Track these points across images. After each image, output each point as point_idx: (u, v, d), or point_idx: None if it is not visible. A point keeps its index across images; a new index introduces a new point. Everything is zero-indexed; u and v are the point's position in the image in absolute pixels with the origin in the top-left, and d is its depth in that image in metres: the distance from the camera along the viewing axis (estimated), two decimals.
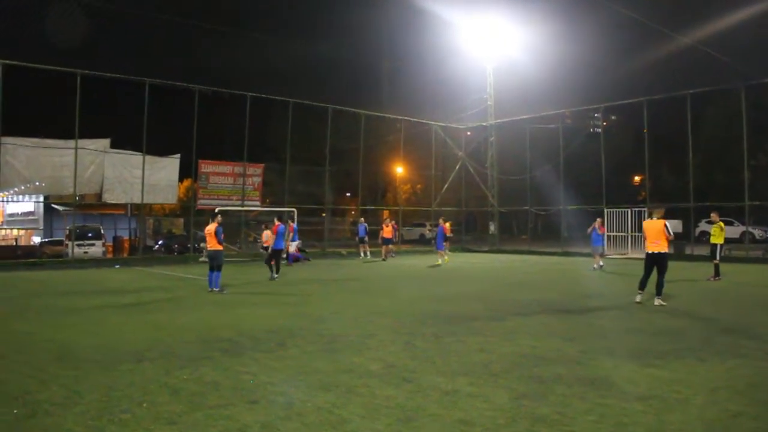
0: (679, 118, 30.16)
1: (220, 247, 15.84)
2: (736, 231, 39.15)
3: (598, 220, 22.96)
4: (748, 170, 28.75)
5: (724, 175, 40.16)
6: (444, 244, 27.53)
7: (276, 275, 19.37)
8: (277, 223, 20.10)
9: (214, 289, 15.54)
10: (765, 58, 43.04)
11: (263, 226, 26.13)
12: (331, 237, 40.13)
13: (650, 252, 13.04)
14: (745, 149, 28.21)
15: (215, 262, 15.62)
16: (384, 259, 28.07)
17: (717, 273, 18.31)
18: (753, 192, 28.89)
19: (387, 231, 28.38)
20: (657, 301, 12.70)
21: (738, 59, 41.46)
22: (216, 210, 28.20)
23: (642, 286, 13.11)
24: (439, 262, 26.03)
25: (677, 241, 29.98)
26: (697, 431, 5.20)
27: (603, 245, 22.72)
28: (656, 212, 13.22)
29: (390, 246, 29.12)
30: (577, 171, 38.54)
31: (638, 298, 13.02)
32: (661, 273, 12.87)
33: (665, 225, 12.82)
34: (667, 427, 5.29)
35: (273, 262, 19.51)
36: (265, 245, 23.54)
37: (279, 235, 19.82)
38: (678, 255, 28.55)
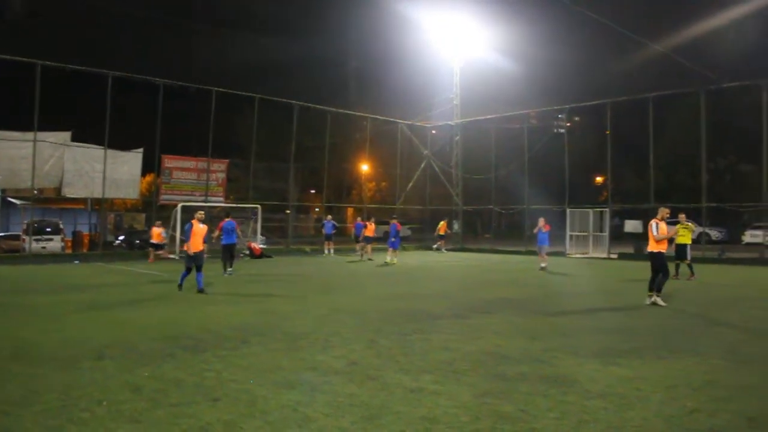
0: (642, 120, 30.71)
1: (203, 247, 15.08)
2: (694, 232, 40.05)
3: (542, 219, 23.02)
4: (707, 173, 29.38)
5: (684, 177, 41.04)
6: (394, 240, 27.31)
7: (230, 270, 19.62)
8: (226, 219, 20.37)
9: (204, 290, 14.63)
10: (725, 64, 43.96)
11: (159, 222, 26.62)
12: (296, 234, 39.97)
13: (647, 252, 13.30)
14: (704, 152, 28.81)
15: (200, 263, 14.82)
16: (370, 258, 27.51)
17: (692, 272, 18.75)
18: (711, 194, 29.55)
19: (369, 230, 28.10)
20: (657, 300, 12.77)
21: (700, 64, 42.33)
22: (179, 206, 28.00)
23: (650, 286, 13.06)
24: (389, 259, 25.75)
25: (638, 241, 30.56)
26: (656, 427, 5.29)
27: (548, 244, 22.71)
28: (659, 213, 13.27)
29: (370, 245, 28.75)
30: (541, 171, 38.96)
31: (647, 301, 12.92)
32: (654, 271, 12.92)
33: (650, 225, 12.99)
34: (627, 423, 5.37)
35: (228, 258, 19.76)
36: (153, 241, 24.43)
37: (228, 231, 19.88)
38: (638, 256, 29.06)
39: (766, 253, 26.54)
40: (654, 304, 12.68)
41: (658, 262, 12.89)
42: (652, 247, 12.99)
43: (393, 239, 26.17)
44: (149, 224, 32.17)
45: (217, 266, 19.78)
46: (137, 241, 31.84)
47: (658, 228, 12.83)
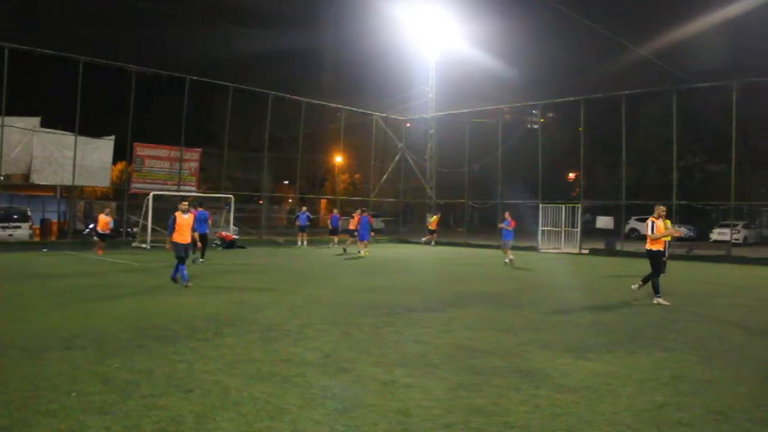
0: (615, 118, 31.03)
1: (191, 239, 14.42)
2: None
3: (507, 213, 23.06)
4: (677, 171, 29.81)
5: (655, 175, 41.62)
6: (371, 234, 27.12)
7: (201, 259, 19.79)
8: (198, 209, 20.33)
9: (188, 283, 13.95)
10: (697, 64, 44.67)
11: (107, 210, 25.09)
12: (269, 225, 39.77)
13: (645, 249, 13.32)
14: (675, 150, 29.23)
15: (187, 254, 14.28)
16: (345, 250, 27.18)
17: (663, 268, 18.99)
18: (680, 192, 29.98)
19: (352, 223, 27.78)
20: (660, 300, 12.73)
21: (673, 65, 42.92)
22: (151, 194, 27.66)
23: (653, 286, 12.94)
24: (361, 252, 25.56)
25: (609, 237, 30.93)
26: (626, 421, 5.37)
27: (512, 239, 22.65)
28: (656, 210, 13.19)
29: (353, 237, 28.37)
30: (514, 166, 39.26)
31: (633, 295, 13.00)
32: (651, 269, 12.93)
33: (646, 223, 13.01)
34: (598, 417, 5.45)
35: (199, 246, 19.45)
36: (96, 229, 23.20)
37: (200, 221, 19.63)
38: (609, 251, 29.43)
39: (732, 251, 27.01)
40: (658, 303, 12.57)
41: (652, 261, 12.90)
42: (649, 245, 12.97)
43: (364, 232, 25.98)
44: (121, 213, 31.75)
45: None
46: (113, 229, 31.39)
47: (654, 227, 12.78)
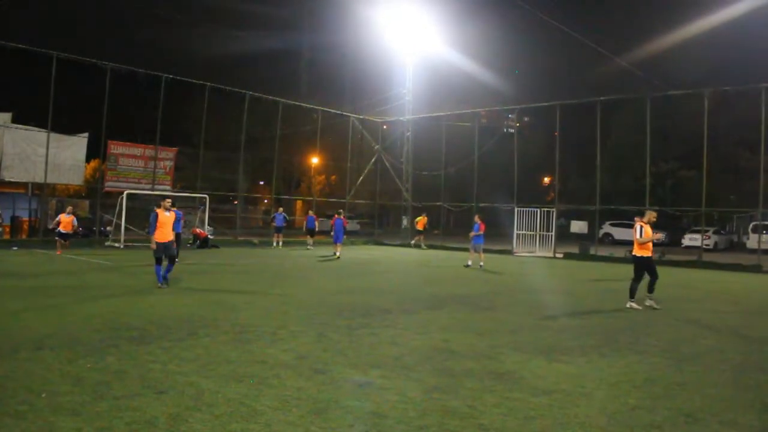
0: (590, 123, 31.34)
1: (173, 237, 14.20)
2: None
3: (477, 216, 23.06)
4: (650, 176, 30.20)
5: (628, 181, 42.11)
6: (344, 236, 26.72)
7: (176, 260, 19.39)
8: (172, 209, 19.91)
9: (164, 284, 13.75)
10: (671, 71, 45.31)
11: (68, 209, 23.53)
12: (244, 225, 39.54)
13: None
14: (648, 156, 29.60)
15: (170, 253, 13.94)
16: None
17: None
18: (653, 198, 30.39)
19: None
20: (652, 303, 12.69)
21: (648, 72, 43.50)
22: (125, 193, 27.37)
23: (630, 292, 12.78)
24: (336, 255, 25.05)
25: (583, 241, 31.23)
26: (599, 423, 5.42)
27: (482, 243, 22.58)
28: (646, 215, 13.11)
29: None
30: (490, 169, 39.45)
31: (628, 304, 12.68)
32: (636, 276, 12.84)
33: (634, 228, 12.93)
34: (572, 419, 5.49)
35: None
36: (56, 228, 22.06)
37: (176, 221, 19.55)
38: (583, 255, 29.71)
39: (703, 256, 27.41)
40: (651, 307, 12.51)
41: (643, 266, 12.74)
42: (636, 250, 12.85)
43: (338, 233, 25.72)
44: (93, 211, 31.36)
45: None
46: (80, 229, 30.98)
47: (643, 231, 12.65)
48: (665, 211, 32.68)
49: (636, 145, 35.39)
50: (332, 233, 25.86)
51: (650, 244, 12.80)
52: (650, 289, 12.76)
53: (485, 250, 22.95)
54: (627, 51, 47.19)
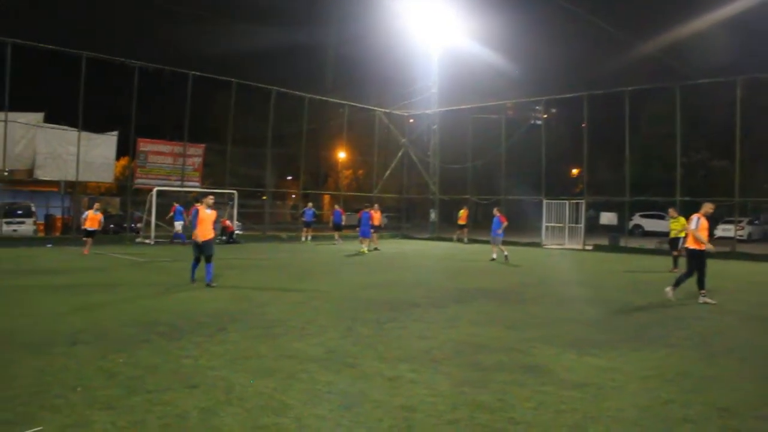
0: (618, 114, 30.94)
1: (213, 235, 13.89)
2: (666, 225, 40.46)
3: (496, 209, 22.92)
4: (681, 167, 29.74)
5: (658, 171, 41.48)
6: (372, 231, 26.46)
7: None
8: (195, 205, 20.24)
9: (195, 282, 13.54)
10: (701, 60, 44.51)
11: (96, 206, 23.90)
12: (272, 220, 39.77)
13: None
14: (678, 146, 29.15)
15: (209, 252, 13.55)
16: (377, 248, 26.60)
17: (675, 264, 19.00)
18: (684, 188, 29.90)
19: (375, 218, 27.47)
20: (706, 298, 12.38)
21: (677, 61, 42.80)
22: (155, 190, 27.70)
23: (699, 286, 12.50)
24: (363, 249, 25.10)
25: (613, 233, 30.90)
26: (631, 417, 5.36)
27: (503, 235, 22.41)
28: (703, 208, 12.78)
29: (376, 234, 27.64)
30: (517, 162, 39.11)
31: (700, 299, 12.32)
32: (697, 270, 12.47)
33: (690, 219, 12.66)
34: (603, 413, 5.43)
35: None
36: (89, 228, 21.38)
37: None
38: (613, 247, 29.39)
39: (737, 247, 26.95)
40: (705, 303, 12.21)
41: (696, 259, 12.44)
42: (690, 243, 12.53)
43: (365, 228, 25.56)
44: (124, 208, 31.78)
45: (187, 250, 19.65)
46: (111, 226, 31.46)
47: (698, 223, 12.34)
48: (697, 202, 32.14)
49: (666, 134, 34.85)
50: (359, 228, 25.81)
51: (704, 237, 12.43)
52: (701, 285, 12.45)
53: (511, 243, 22.79)
54: (655, 39, 46.41)
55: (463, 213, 34.04)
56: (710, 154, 46.18)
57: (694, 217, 12.58)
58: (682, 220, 19.39)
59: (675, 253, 19.43)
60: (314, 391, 5.88)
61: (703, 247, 12.46)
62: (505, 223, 22.20)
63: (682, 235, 19.26)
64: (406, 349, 7.72)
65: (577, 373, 6.75)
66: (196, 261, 13.68)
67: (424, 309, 10.94)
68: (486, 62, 44.57)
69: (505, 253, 21.79)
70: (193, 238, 13.56)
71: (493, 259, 21.85)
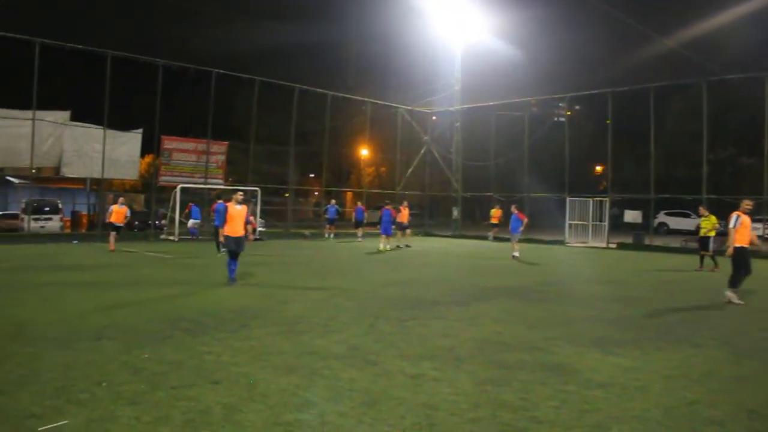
0: (643, 110, 30.59)
1: (244, 232, 13.63)
2: (692, 223, 40.01)
3: (514, 206, 22.76)
4: (707, 164, 29.35)
5: (684, 168, 40.96)
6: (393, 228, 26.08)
7: (224, 250, 19.99)
8: (218, 201, 20.49)
9: (233, 283, 13.27)
10: (728, 56, 43.87)
11: (121, 200, 22.88)
12: (295, 218, 39.93)
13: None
14: (705, 143, 28.77)
15: (240, 249, 13.47)
16: (408, 245, 26.36)
17: (715, 264, 18.78)
18: (710, 185, 29.51)
19: (404, 215, 27.22)
20: (731, 296, 12.11)
21: (703, 56, 42.20)
22: (179, 187, 27.94)
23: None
24: (382, 246, 24.81)
25: (637, 231, 30.58)
26: (656, 418, 5.30)
27: (520, 233, 22.24)
28: (742, 205, 12.48)
29: (409, 231, 27.50)
30: (541, 159, 38.88)
31: (734, 299, 12.05)
32: (736, 267, 12.23)
33: (730, 217, 12.38)
34: (627, 413, 5.38)
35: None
36: (116, 223, 21.19)
37: (221, 213, 20.15)
38: (637, 246, 29.09)
39: (765, 246, 26.54)
40: (729, 301, 12.00)
41: (738, 257, 12.15)
42: (736, 241, 12.18)
43: (386, 225, 25.22)
44: (148, 205, 32.10)
45: (211, 247, 19.90)
46: (136, 222, 31.81)
47: (738, 221, 12.11)
48: (723, 200, 31.71)
49: (692, 131, 34.42)
50: (380, 225, 25.70)
51: (746, 234, 12.22)
52: (733, 282, 12.20)
53: (535, 241, 22.65)
54: (679, 34, 45.82)
55: (495, 212, 33.58)
56: (737, 151, 45.57)
57: (733, 215, 12.36)
58: (713, 218, 19.11)
59: (703, 252, 19.15)
60: (336, 388, 5.89)
61: (746, 245, 12.21)
62: (525, 221, 22.09)
63: (713, 234, 19.00)
64: (428, 347, 7.70)
65: (600, 372, 6.69)
66: (234, 257, 13.37)
67: (447, 307, 10.91)
68: (509, 59, 44.36)
69: (515, 253, 21.59)
70: (223, 234, 13.22)
71: (514, 257, 21.64)
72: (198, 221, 28.24)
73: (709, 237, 18.94)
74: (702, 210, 19.76)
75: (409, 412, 5.29)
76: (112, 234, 21.44)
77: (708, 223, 19.02)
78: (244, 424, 4.93)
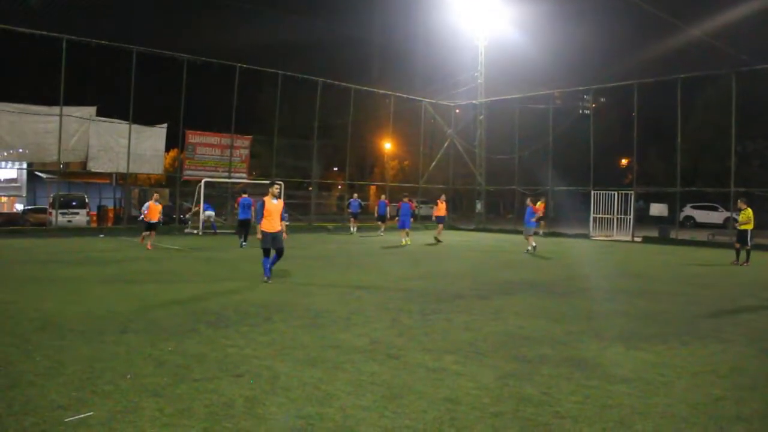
0: (669, 102, 30.17)
1: (281, 227, 12.98)
2: (720, 217, 39.51)
3: (529, 199, 22.54)
4: (735, 156, 28.88)
5: (711, 161, 40.38)
6: (439, 224, 26.41)
7: (245, 243, 20.90)
8: (243, 195, 22.00)
9: (269, 279, 12.84)
10: (757, 45, 43.04)
11: (155, 196, 21.74)
12: (318, 211, 40.04)
13: None
14: (734, 136, 28.30)
15: (278, 245, 12.85)
16: (439, 241, 25.80)
17: (747, 258, 18.62)
18: (738, 178, 29.06)
19: (441, 209, 26.97)
20: None
21: (732, 45, 41.47)
22: (203, 181, 28.15)
23: None
24: (404, 242, 24.64)
25: (663, 225, 30.21)
26: (681, 414, 5.22)
27: (535, 226, 21.99)
28: None
29: (441, 225, 27.09)
30: (565, 152, 38.55)
31: None
32: None
33: None
34: (652, 409, 5.31)
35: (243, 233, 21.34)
36: (151, 220, 20.09)
37: (244, 207, 21.51)
38: (663, 239, 28.75)
39: None
40: None
41: None
42: None
43: (404, 218, 25.30)
44: (173, 200, 32.38)
45: (233, 240, 20.11)
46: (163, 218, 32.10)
47: None
48: (752, 193, 31.21)
49: (720, 123, 33.90)
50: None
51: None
52: None
53: (559, 235, 22.51)
54: (707, 23, 45.03)
55: (540, 205, 32.95)
56: (767, 143, 44.77)
57: None
58: (749, 211, 18.74)
59: (738, 246, 18.85)
60: (358, 382, 5.89)
61: None
62: (539, 213, 21.95)
63: (750, 227, 18.65)
64: (450, 341, 7.68)
65: (624, 367, 6.61)
66: (267, 255, 12.87)
67: (469, 300, 10.88)
68: (533, 51, 44.01)
69: (528, 247, 21.46)
70: (262, 229, 12.63)
71: (534, 248, 21.35)
72: (212, 213, 28.47)
73: (747, 231, 18.58)
74: (740, 203, 19.29)
75: (431, 406, 5.28)
76: (151, 233, 20.16)
77: (744, 216, 18.67)
78: (266, 417, 4.95)
